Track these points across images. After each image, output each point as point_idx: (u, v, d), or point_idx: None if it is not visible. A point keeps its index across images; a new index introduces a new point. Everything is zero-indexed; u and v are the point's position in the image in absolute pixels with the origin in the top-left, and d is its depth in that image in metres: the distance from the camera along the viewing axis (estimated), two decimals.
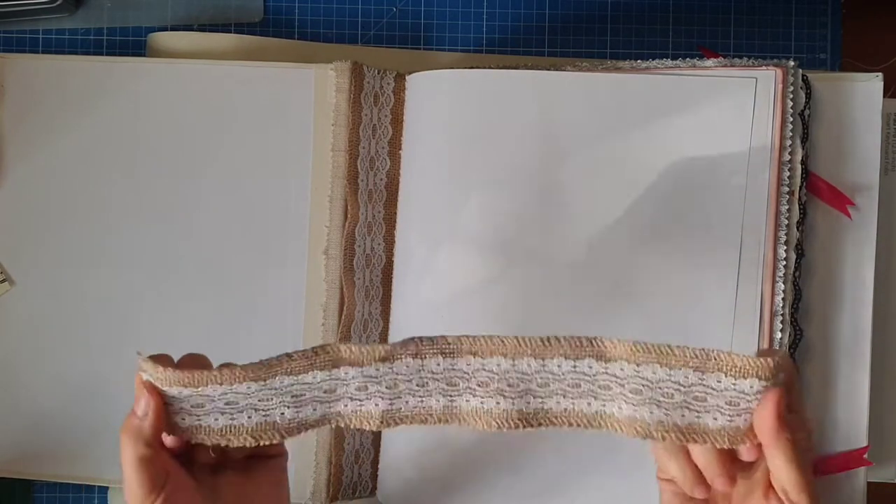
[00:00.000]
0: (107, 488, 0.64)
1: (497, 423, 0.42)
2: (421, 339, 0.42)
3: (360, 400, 0.43)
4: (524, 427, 0.42)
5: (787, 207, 0.57)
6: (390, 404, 0.43)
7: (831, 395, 0.59)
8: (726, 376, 0.40)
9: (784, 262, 0.57)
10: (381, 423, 0.43)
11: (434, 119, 0.60)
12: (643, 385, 0.40)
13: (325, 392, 0.43)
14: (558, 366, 0.41)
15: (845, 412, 0.59)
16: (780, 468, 0.41)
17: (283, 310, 0.62)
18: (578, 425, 0.42)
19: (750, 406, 0.40)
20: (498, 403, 0.42)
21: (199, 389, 0.42)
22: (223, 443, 0.43)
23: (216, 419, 0.43)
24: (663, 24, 0.66)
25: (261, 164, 0.62)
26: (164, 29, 0.65)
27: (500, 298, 0.59)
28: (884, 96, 0.60)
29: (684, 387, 0.40)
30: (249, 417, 0.43)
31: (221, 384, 0.42)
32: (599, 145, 0.59)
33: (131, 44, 0.66)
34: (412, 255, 0.61)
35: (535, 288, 0.59)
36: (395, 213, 0.62)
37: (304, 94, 0.62)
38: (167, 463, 0.43)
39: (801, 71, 0.58)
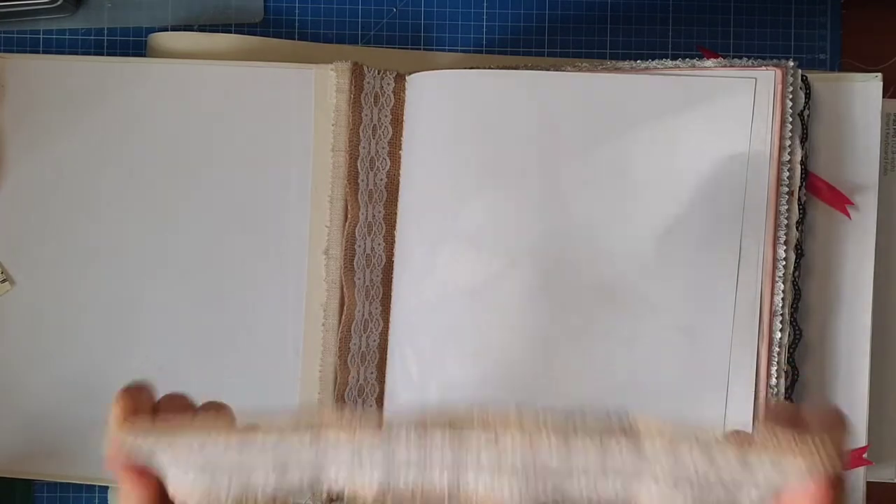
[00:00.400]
0: (107, 488, 0.64)
1: None
2: (426, 414, 0.38)
3: (352, 466, 0.38)
4: None
5: (786, 207, 0.57)
6: (387, 475, 0.38)
7: (831, 395, 0.59)
8: (766, 457, 0.37)
9: (783, 262, 0.57)
10: (377, 498, 0.38)
11: (434, 119, 0.60)
12: (674, 464, 0.37)
13: (311, 462, 0.38)
14: (581, 442, 0.37)
15: (845, 412, 0.59)
16: None
17: (283, 310, 0.62)
18: None
19: (786, 483, 0.37)
20: (511, 487, 0.37)
21: (175, 441, 0.38)
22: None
23: (196, 477, 0.39)
24: (663, 24, 0.66)
25: (261, 165, 0.62)
26: (164, 29, 0.65)
27: (499, 298, 0.59)
28: (883, 96, 0.60)
29: (720, 466, 0.37)
30: (230, 481, 0.38)
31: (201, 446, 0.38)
32: (599, 146, 0.59)
33: (131, 44, 0.66)
34: (412, 255, 0.61)
35: (534, 288, 0.59)
36: (395, 213, 0.62)
37: (304, 95, 0.62)
38: None
39: (800, 71, 0.58)
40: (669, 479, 0.37)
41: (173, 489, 0.39)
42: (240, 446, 0.38)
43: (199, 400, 0.43)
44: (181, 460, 0.38)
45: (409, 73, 0.62)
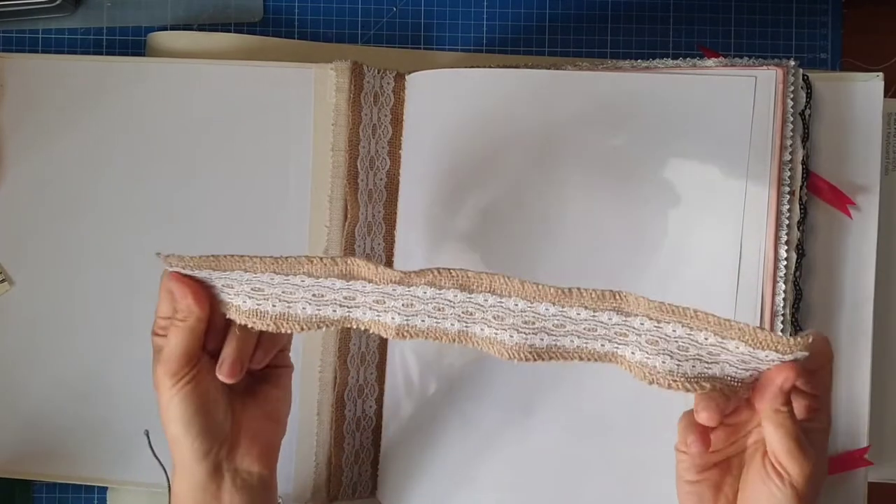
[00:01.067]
0: (106, 488, 0.64)
1: (508, 354, 0.42)
2: (440, 270, 0.42)
3: (377, 311, 0.44)
4: (535, 360, 0.42)
5: (787, 207, 0.57)
6: (406, 320, 0.44)
7: (831, 395, 0.59)
8: (745, 345, 0.40)
9: (785, 262, 0.57)
10: (397, 334, 0.44)
11: (434, 119, 0.60)
12: (660, 338, 0.41)
13: (344, 297, 0.44)
14: (577, 314, 0.42)
15: (845, 412, 0.59)
16: (771, 435, 0.41)
17: None
18: (589, 359, 0.42)
19: (759, 367, 0.41)
20: (511, 336, 0.42)
21: (227, 273, 0.45)
22: (250, 323, 0.45)
23: (244, 301, 0.45)
24: (663, 24, 0.66)
25: (261, 164, 0.62)
26: (164, 29, 0.65)
27: None
28: (884, 96, 0.60)
29: (700, 344, 0.41)
30: (274, 306, 0.45)
31: (246, 271, 0.44)
32: (599, 145, 0.59)
33: (131, 44, 0.66)
34: (412, 255, 0.61)
35: None
36: (395, 213, 0.62)
37: (304, 94, 0.62)
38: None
39: (801, 71, 0.58)
40: (650, 349, 0.41)
41: (225, 308, 0.46)
42: (282, 281, 0.44)
43: None
44: (233, 288, 0.45)
45: (409, 73, 0.62)
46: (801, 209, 0.58)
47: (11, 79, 0.62)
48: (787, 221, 0.57)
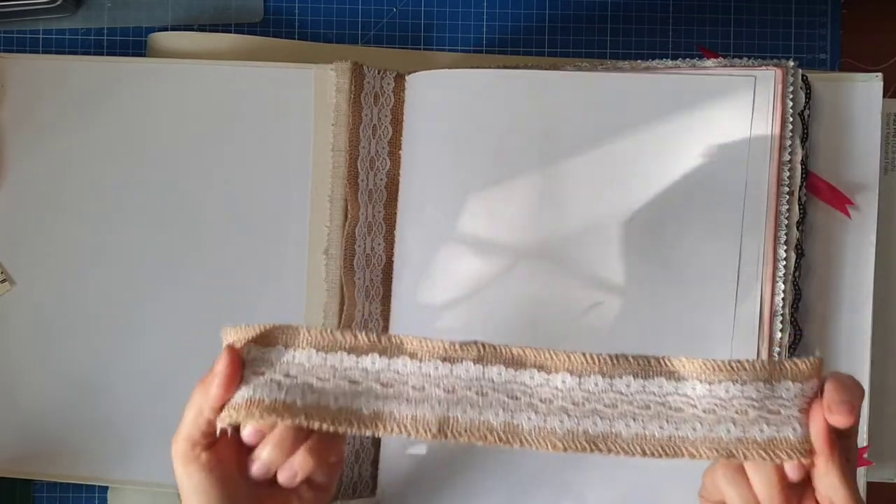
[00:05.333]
0: (107, 488, 0.64)
1: (562, 444, 0.40)
2: (483, 344, 0.41)
3: (416, 402, 0.41)
4: (591, 450, 0.40)
5: (786, 207, 0.57)
6: (447, 411, 0.41)
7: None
8: (793, 382, 0.39)
9: (784, 262, 0.57)
10: (439, 431, 0.40)
11: (434, 119, 0.60)
12: (716, 404, 0.40)
13: (381, 385, 0.41)
14: (627, 385, 0.40)
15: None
16: (834, 486, 0.40)
17: (284, 310, 0.62)
18: (652, 454, 0.40)
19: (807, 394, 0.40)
20: (562, 422, 0.40)
21: (267, 350, 0.42)
22: (275, 419, 0.40)
23: (271, 391, 0.41)
24: (663, 24, 0.66)
25: (261, 165, 0.62)
26: (165, 29, 0.65)
27: (499, 298, 0.59)
28: (884, 96, 0.60)
29: (757, 402, 0.39)
30: (304, 396, 0.41)
31: (287, 346, 0.42)
32: (599, 145, 0.59)
33: (131, 44, 0.66)
34: (412, 255, 0.61)
35: (534, 288, 0.59)
36: (395, 213, 0.62)
37: (304, 94, 0.62)
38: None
39: (800, 71, 0.58)
40: (710, 419, 0.39)
41: (249, 401, 0.41)
42: (320, 363, 0.41)
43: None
44: (265, 374, 0.41)
45: (409, 73, 0.62)
46: (800, 209, 0.58)
47: (12, 79, 0.62)
48: (786, 221, 0.57)
